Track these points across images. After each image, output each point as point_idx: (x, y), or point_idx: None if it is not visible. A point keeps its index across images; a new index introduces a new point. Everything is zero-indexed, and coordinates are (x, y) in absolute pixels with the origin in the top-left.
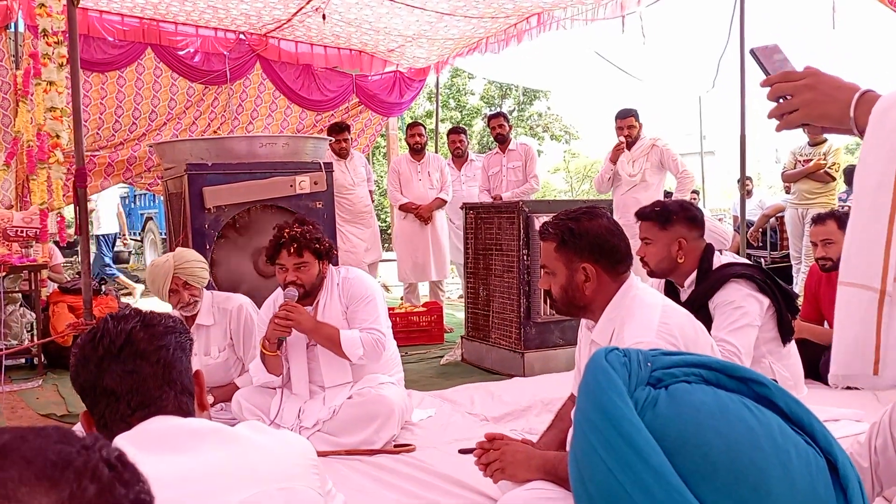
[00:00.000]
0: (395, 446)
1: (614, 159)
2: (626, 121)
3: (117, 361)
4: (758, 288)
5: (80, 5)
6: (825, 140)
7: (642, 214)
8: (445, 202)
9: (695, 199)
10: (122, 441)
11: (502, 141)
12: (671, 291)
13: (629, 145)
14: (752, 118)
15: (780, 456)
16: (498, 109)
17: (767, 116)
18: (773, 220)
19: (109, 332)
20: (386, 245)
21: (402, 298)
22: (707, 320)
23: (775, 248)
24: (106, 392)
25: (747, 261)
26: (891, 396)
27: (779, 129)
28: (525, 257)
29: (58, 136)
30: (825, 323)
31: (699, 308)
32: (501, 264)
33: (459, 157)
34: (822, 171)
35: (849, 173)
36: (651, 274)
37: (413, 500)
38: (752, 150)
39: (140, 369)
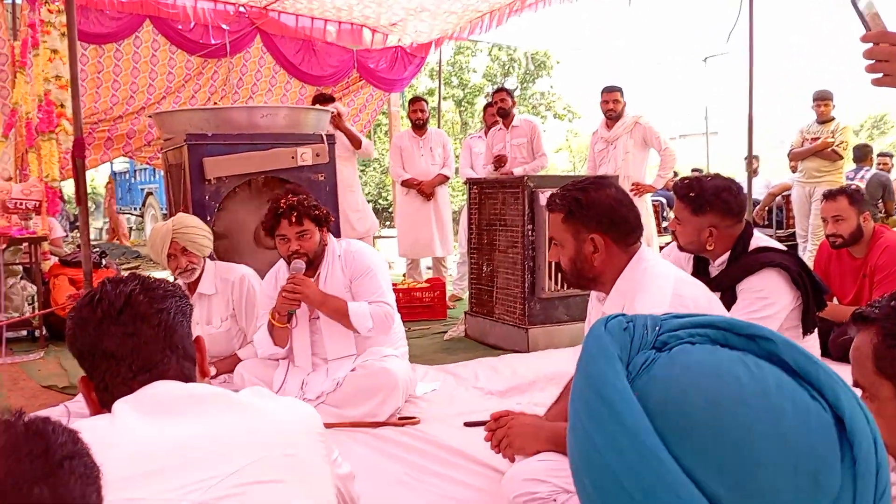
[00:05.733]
0: (400, 419)
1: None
2: (612, 94)
3: (117, 324)
4: (790, 280)
5: None
6: (833, 118)
7: (678, 191)
8: (448, 178)
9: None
10: (124, 404)
11: (505, 115)
12: (701, 264)
13: (613, 120)
14: (758, 95)
15: (771, 412)
16: (501, 85)
17: (865, 70)
18: (779, 198)
19: (108, 294)
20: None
21: (404, 275)
22: (732, 302)
23: (781, 226)
24: (106, 355)
25: (784, 248)
26: None
27: (874, 83)
28: (530, 232)
29: (62, 106)
30: (835, 299)
31: (727, 289)
32: (506, 240)
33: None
34: (829, 149)
35: (857, 151)
36: (681, 249)
37: (418, 473)
38: (757, 130)
39: (141, 332)
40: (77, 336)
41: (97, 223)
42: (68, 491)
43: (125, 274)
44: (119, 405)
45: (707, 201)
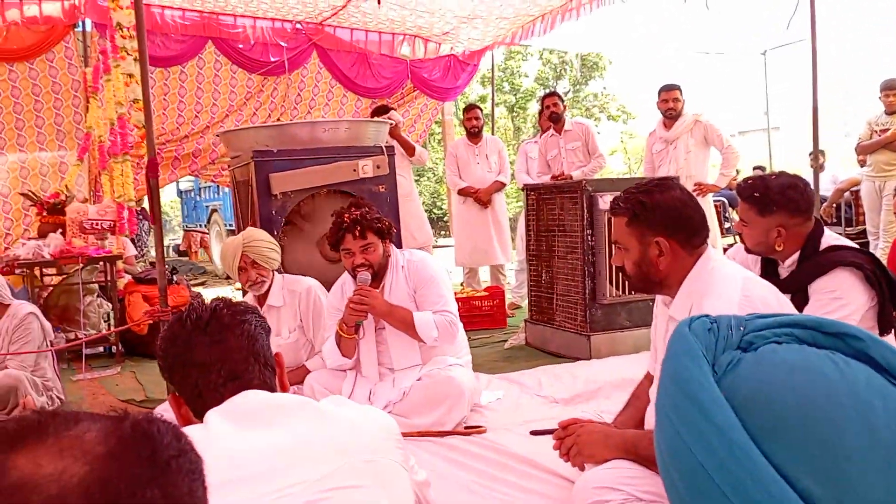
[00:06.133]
0: (466, 428)
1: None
2: (671, 93)
3: (204, 334)
4: (865, 279)
5: (144, 1)
6: None
7: (742, 193)
8: (505, 185)
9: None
10: (215, 415)
11: (556, 120)
12: (770, 265)
13: (672, 119)
14: (822, 86)
15: (860, 408)
16: (552, 89)
17: None
18: (847, 194)
19: (195, 310)
20: (443, 232)
21: (462, 283)
22: (804, 304)
23: (851, 223)
24: (196, 364)
25: (856, 245)
26: None
27: None
28: (589, 237)
29: (143, 127)
30: None
31: (797, 290)
32: (565, 245)
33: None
34: None
35: None
36: (748, 251)
37: (487, 481)
38: (821, 123)
39: (226, 339)
40: (168, 352)
41: (165, 240)
42: (177, 489)
43: (197, 293)
44: (211, 415)
45: (773, 201)
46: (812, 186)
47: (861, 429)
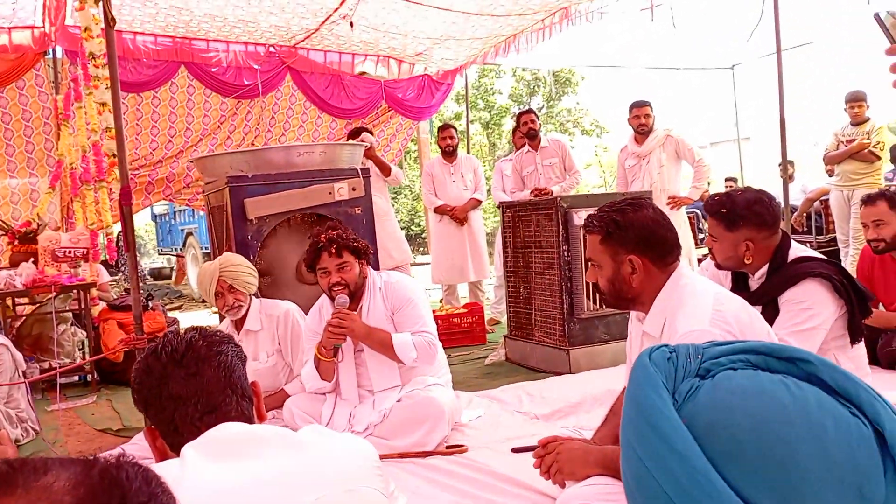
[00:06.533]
0: (448, 447)
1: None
2: (642, 109)
3: (180, 367)
4: (833, 289)
5: (115, 28)
6: (868, 119)
7: (710, 209)
8: (480, 202)
9: (731, 186)
10: (191, 449)
11: (533, 137)
12: (740, 278)
13: (644, 135)
14: (789, 100)
15: (814, 430)
16: (527, 106)
17: (892, 85)
18: (817, 203)
19: (170, 342)
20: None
21: (441, 301)
22: (775, 315)
23: (821, 232)
24: (172, 398)
25: (823, 256)
26: None
27: None
28: (566, 253)
29: (115, 156)
30: (880, 305)
31: (768, 302)
32: (542, 261)
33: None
34: (866, 150)
35: (894, 152)
36: (718, 267)
37: (469, 501)
38: (790, 134)
39: (202, 372)
40: (143, 384)
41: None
42: None
43: (174, 318)
44: (187, 450)
45: (740, 216)
46: (782, 196)
47: (814, 449)
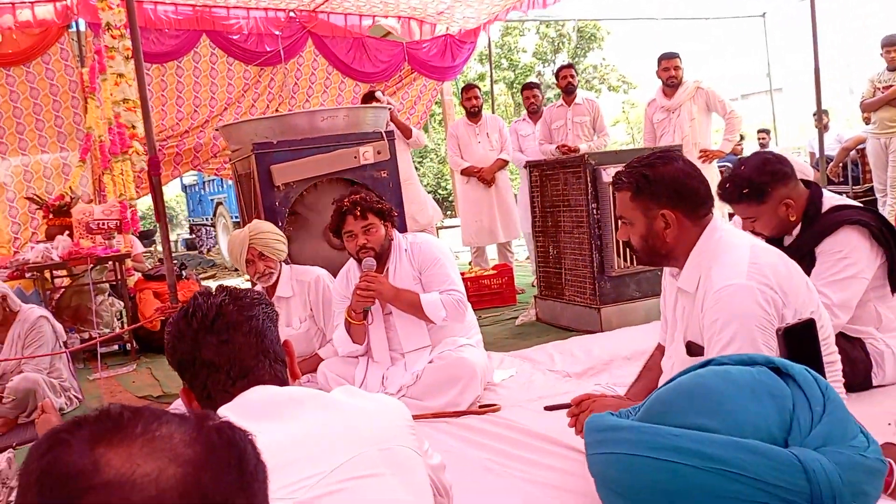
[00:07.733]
0: (481, 407)
1: None
2: (672, 61)
3: (211, 333)
4: (871, 236)
5: None
6: None
7: (731, 198)
8: (507, 162)
9: (763, 139)
10: (226, 412)
11: (570, 92)
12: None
13: (673, 88)
14: (823, 49)
15: (719, 373)
16: (567, 61)
17: None
18: (853, 152)
19: (200, 307)
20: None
21: (470, 263)
22: (811, 267)
23: (858, 181)
24: (205, 364)
25: (860, 204)
26: None
27: None
28: (594, 211)
29: (133, 127)
30: None
31: (805, 254)
32: (570, 220)
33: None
34: None
35: None
36: (769, 241)
37: (504, 459)
38: (824, 81)
39: (234, 339)
40: (176, 348)
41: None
42: (258, 498)
43: (208, 285)
44: (222, 412)
45: (763, 183)
46: (818, 147)
47: (720, 382)
